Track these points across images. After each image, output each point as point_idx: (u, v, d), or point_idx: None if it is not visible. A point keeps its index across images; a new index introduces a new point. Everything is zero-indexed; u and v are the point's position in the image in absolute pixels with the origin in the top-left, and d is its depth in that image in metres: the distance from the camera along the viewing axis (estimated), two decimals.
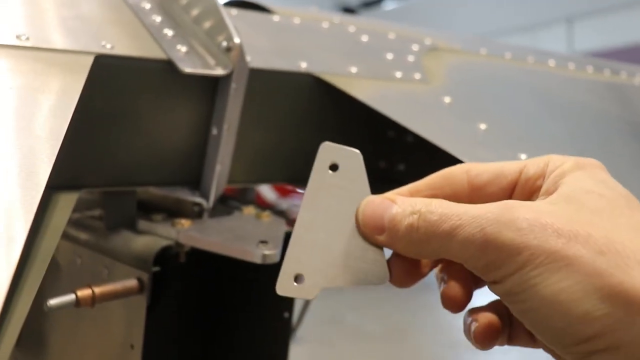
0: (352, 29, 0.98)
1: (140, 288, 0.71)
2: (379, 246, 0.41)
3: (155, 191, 0.80)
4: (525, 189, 0.41)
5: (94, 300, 0.68)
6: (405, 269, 0.42)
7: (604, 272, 0.33)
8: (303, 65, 0.78)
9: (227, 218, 0.78)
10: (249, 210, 0.81)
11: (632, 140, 0.88)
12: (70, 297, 0.67)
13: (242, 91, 0.71)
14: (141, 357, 0.73)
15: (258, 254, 0.66)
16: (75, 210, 0.81)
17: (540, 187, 0.41)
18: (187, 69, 0.67)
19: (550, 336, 0.35)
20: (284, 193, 4.45)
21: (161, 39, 0.69)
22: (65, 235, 0.82)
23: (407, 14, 9.41)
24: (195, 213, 0.76)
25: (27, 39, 0.61)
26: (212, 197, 0.74)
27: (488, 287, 0.38)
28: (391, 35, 1.01)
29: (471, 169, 0.43)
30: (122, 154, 0.69)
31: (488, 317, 0.41)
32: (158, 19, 0.73)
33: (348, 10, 10.03)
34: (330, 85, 0.78)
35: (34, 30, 0.63)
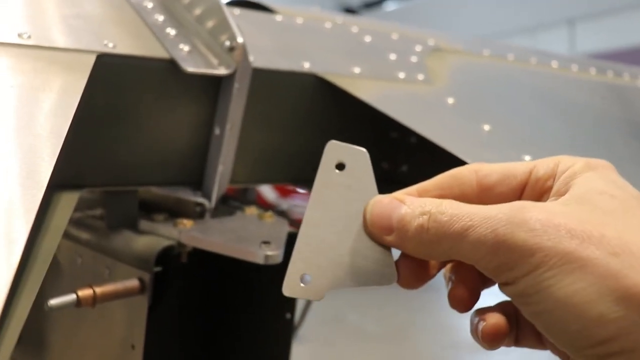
0: (355, 29, 0.98)
1: (142, 288, 0.71)
2: (387, 247, 0.41)
3: (157, 191, 0.80)
4: (535, 190, 0.41)
5: (95, 300, 0.68)
6: (413, 270, 0.41)
7: (618, 273, 0.33)
8: (306, 66, 0.78)
9: (229, 218, 0.78)
10: (251, 210, 0.81)
11: (635, 141, 0.88)
12: (71, 297, 0.66)
13: (245, 91, 0.71)
14: (142, 357, 0.72)
15: (261, 254, 0.66)
16: (76, 209, 0.81)
17: (550, 188, 0.40)
18: (190, 68, 0.66)
19: (563, 339, 0.35)
20: (284, 193, 4.45)
21: (164, 38, 0.69)
22: (67, 235, 0.82)
23: (408, 15, 9.42)
24: (197, 213, 0.76)
25: (29, 37, 0.61)
26: (214, 197, 0.74)
27: (499, 288, 0.38)
28: (394, 36, 1.01)
29: (480, 169, 0.42)
30: (124, 153, 0.69)
31: (496, 317, 0.40)
32: (160, 18, 0.72)
33: (349, 10, 10.03)
34: (333, 86, 0.77)
35: (35, 28, 0.62)
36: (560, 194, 0.39)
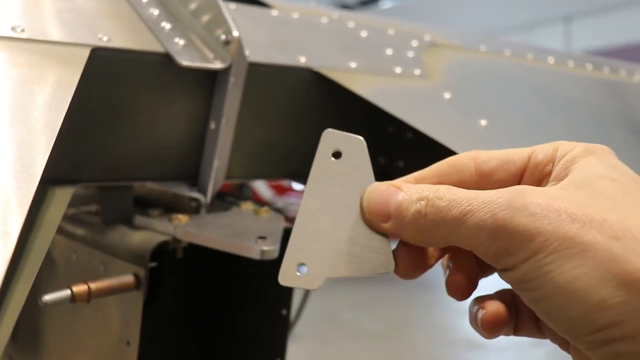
0: (351, 24, 0.98)
1: (137, 284, 0.70)
2: (384, 234, 0.40)
3: (152, 186, 0.79)
4: (534, 175, 0.41)
5: (89, 296, 0.67)
6: (411, 258, 0.41)
7: (620, 258, 0.32)
8: (302, 60, 0.77)
9: (225, 214, 0.78)
10: (247, 206, 0.80)
11: (631, 137, 0.88)
12: (65, 293, 0.66)
13: (240, 85, 0.70)
14: (137, 353, 0.72)
15: (256, 249, 0.66)
16: (71, 205, 0.80)
17: (549, 173, 0.40)
18: (185, 62, 0.66)
19: (564, 325, 0.34)
20: (280, 191, 4.44)
21: (159, 32, 0.69)
22: (61, 231, 0.81)
23: (404, 12, 9.43)
24: (193, 208, 0.75)
25: (23, 30, 0.60)
26: (210, 192, 0.73)
27: (499, 274, 0.37)
28: (390, 31, 1.01)
29: (479, 156, 0.42)
30: (119, 148, 0.69)
31: (495, 304, 0.40)
32: (155, 11, 0.72)
33: (345, 7, 10.03)
34: (329, 80, 0.77)
35: (29, 22, 0.62)
36: (560, 178, 0.38)
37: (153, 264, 0.71)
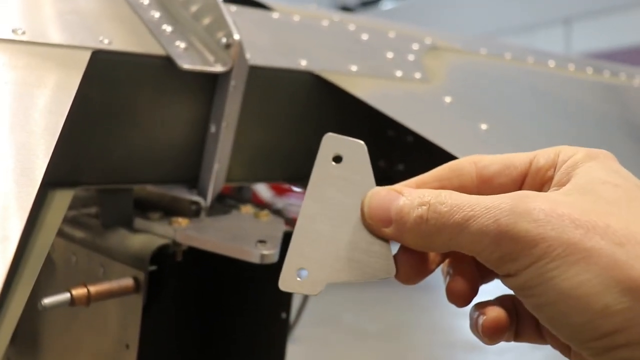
0: (352, 27, 0.97)
1: (136, 287, 0.70)
2: (385, 239, 0.40)
3: (152, 189, 0.79)
4: (536, 180, 0.40)
5: (89, 299, 0.67)
6: (412, 264, 0.41)
7: (624, 264, 0.32)
8: (303, 63, 0.77)
9: (224, 217, 0.78)
10: (247, 209, 0.80)
11: (631, 141, 0.88)
12: (65, 296, 0.66)
13: (241, 88, 0.70)
14: (136, 356, 0.72)
15: (256, 253, 0.66)
16: (71, 207, 0.80)
17: (551, 178, 0.40)
18: (186, 65, 0.66)
19: (567, 331, 0.34)
20: (280, 192, 4.44)
21: (160, 35, 0.69)
22: (61, 233, 0.81)
23: (405, 14, 9.42)
24: (193, 212, 0.75)
25: (23, 33, 0.60)
26: (210, 195, 0.73)
27: (501, 280, 0.37)
28: (391, 34, 1.01)
29: (480, 160, 0.42)
30: (119, 151, 0.69)
31: (496, 310, 0.40)
32: (157, 14, 0.72)
33: (346, 9, 10.03)
34: (330, 84, 0.77)
35: (30, 24, 0.62)
36: (562, 184, 0.38)
37: (153, 267, 0.71)
